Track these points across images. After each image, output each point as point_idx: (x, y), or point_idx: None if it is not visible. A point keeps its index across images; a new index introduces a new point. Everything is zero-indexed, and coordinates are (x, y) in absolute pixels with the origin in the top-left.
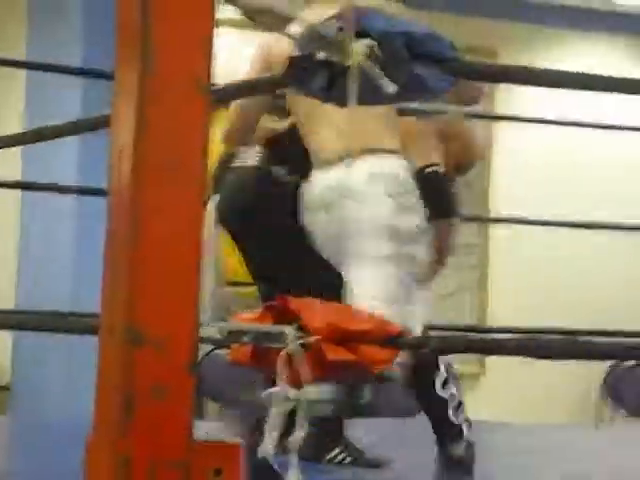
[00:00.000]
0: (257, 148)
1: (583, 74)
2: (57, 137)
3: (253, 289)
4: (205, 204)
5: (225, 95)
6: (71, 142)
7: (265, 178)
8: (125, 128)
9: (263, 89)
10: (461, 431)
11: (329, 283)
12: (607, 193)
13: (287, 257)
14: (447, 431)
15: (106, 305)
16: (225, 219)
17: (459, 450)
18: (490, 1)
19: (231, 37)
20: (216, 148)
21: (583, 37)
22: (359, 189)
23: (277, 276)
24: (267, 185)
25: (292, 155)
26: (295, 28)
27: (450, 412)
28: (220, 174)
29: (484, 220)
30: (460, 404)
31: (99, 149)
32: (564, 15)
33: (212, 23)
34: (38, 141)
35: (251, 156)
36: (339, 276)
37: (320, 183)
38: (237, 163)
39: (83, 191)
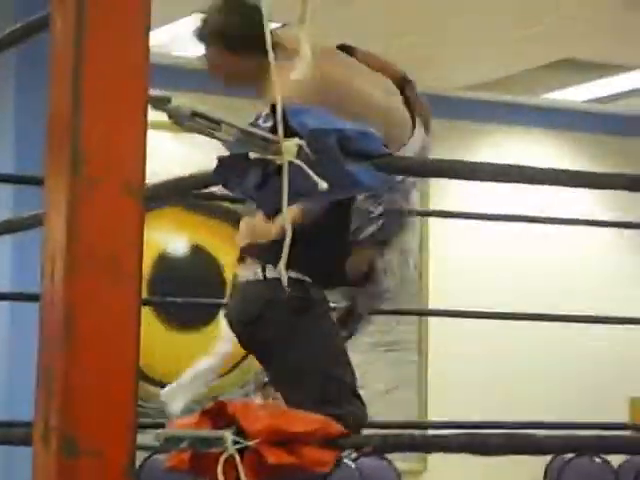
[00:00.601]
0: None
1: (517, 166)
2: None
3: None
4: (141, 304)
5: (157, 196)
6: (4, 247)
7: (270, 289)
8: (56, 232)
9: (195, 188)
10: None
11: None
12: (542, 289)
13: (289, 369)
14: None
15: (40, 413)
16: (233, 329)
17: None
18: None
19: (163, 138)
20: (152, 248)
21: (511, 132)
22: None
23: (282, 385)
24: (271, 297)
25: (307, 255)
26: (226, 129)
27: None
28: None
29: (423, 313)
30: None
31: (33, 252)
32: (493, 110)
33: (144, 127)
34: None
35: (254, 269)
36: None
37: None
38: (242, 278)
39: (16, 297)
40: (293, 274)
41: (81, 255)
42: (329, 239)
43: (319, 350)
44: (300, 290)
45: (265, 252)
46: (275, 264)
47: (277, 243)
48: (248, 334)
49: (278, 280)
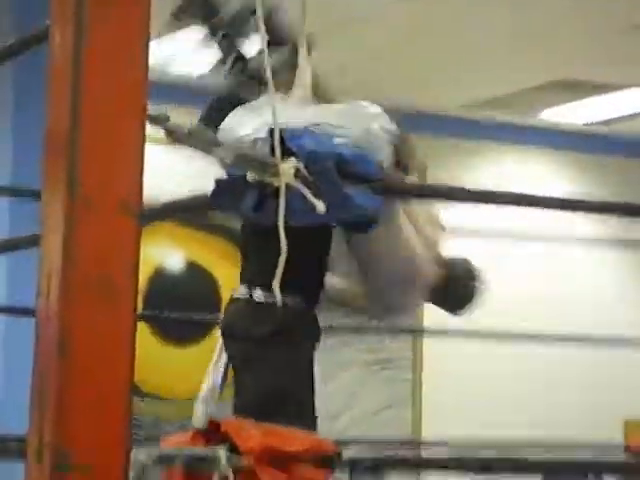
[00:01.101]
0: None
1: (513, 193)
2: None
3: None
4: (136, 322)
5: (154, 216)
6: (0, 262)
7: (259, 310)
8: (53, 250)
9: (193, 209)
10: None
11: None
12: (538, 308)
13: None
14: None
15: (33, 429)
16: (224, 341)
17: None
18: (418, 119)
19: (159, 152)
20: (147, 264)
21: (510, 151)
22: None
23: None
24: (259, 318)
25: (306, 282)
26: (224, 150)
27: None
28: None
29: (417, 332)
30: None
31: (29, 270)
32: (491, 129)
33: (142, 145)
34: None
35: (245, 288)
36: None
37: None
38: (235, 294)
39: (12, 312)
40: (287, 299)
41: (77, 274)
42: (315, 259)
43: (293, 377)
44: (290, 315)
45: (256, 273)
46: (264, 286)
47: (267, 264)
48: (233, 348)
49: (266, 303)
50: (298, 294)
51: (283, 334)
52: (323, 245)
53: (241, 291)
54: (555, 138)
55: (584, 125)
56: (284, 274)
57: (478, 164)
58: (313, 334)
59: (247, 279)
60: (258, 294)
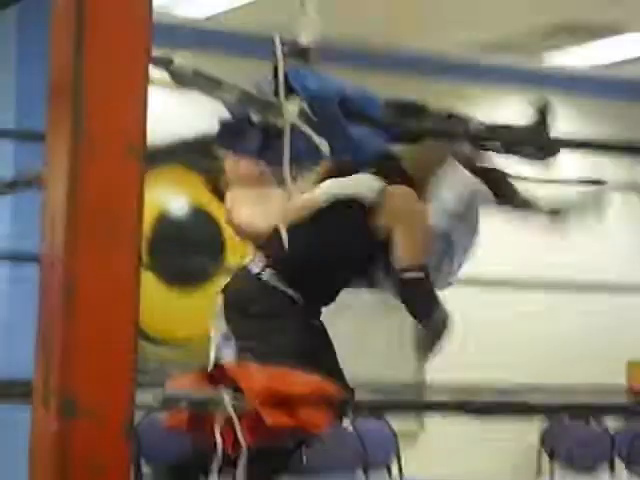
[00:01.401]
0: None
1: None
2: None
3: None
4: (140, 264)
5: (158, 156)
6: (4, 206)
7: (259, 290)
8: (57, 192)
9: (197, 149)
10: None
11: None
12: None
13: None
14: None
15: (39, 375)
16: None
17: None
18: (423, 60)
19: (163, 95)
20: (152, 208)
21: (514, 96)
22: None
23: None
24: (254, 297)
25: (310, 281)
26: (228, 91)
27: None
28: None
29: None
30: None
31: (32, 213)
32: (495, 74)
33: (145, 86)
34: None
35: (257, 262)
36: None
37: None
38: (251, 265)
39: (16, 257)
40: (290, 291)
41: (81, 215)
42: (332, 271)
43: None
44: (285, 305)
45: (273, 254)
46: (276, 269)
47: (284, 250)
48: (230, 316)
49: (270, 285)
50: (300, 291)
51: (273, 320)
52: (345, 262)
53: (255, 265)
54: (558, 82)
55: (586, 68)
56: (293, 270)
57: (476, 108)
58: (300, 330)
59: (265, 255)
60: (267, 275)
